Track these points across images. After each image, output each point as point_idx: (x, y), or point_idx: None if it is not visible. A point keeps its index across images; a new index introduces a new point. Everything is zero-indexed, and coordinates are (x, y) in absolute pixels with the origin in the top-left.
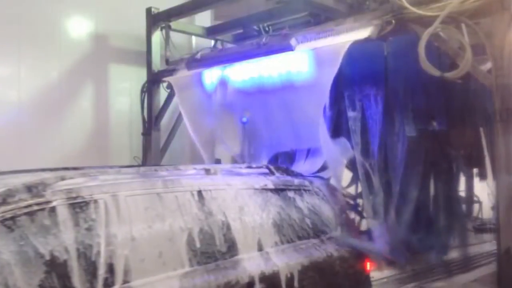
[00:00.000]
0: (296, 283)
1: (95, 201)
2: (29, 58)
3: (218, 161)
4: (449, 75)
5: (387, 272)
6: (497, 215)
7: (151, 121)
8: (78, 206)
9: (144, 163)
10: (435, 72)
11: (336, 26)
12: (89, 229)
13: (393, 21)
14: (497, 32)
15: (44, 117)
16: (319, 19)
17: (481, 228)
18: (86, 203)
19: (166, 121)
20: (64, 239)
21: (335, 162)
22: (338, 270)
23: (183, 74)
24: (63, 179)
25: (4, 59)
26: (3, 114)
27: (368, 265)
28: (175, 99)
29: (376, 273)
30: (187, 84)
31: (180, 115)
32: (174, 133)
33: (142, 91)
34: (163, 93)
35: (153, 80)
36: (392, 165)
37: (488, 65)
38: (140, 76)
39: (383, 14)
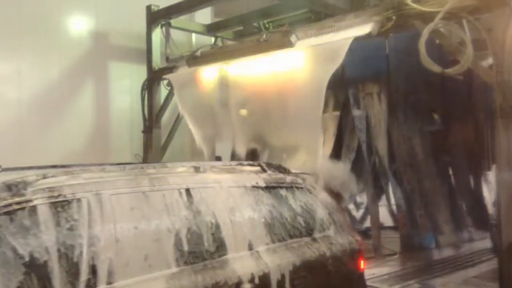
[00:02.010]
0: (287, 283)
1: (78, 200)
2: (29, 56)
3: (218, 158)
4: (450, 71)
5: (387, 269)
6: (498, 211)
7: (151, 119)
8: (60, 205)
9: (145, 160)
10: (435, 68)
11: (337, 22)
12: (71, 229)
13: (394, 17)
14: (498, 27)
15: (45, 115)
16: (320, 16)
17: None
18: (68, 202)
19: (166, 118)
20: (45, 240)
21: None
22: (331, 269)
23: (183, 72)
24: (44, 177)
25: (4, 57)
26: (4, 112)
27: (362, 264)
28: (176, 97)
29: (377, 269)
30: (187, 81)
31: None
32: (174, 130)
33: (143, 89)
34: (163, 91)
35: (154, 78)
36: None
37: (490, 61)
38: (140, 73)
39: (384, 10)
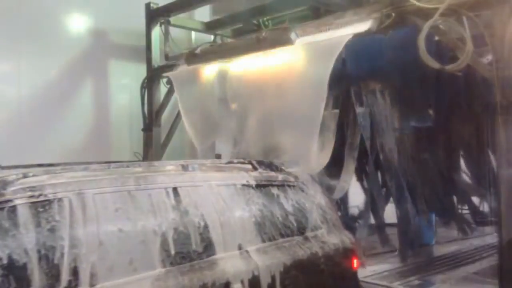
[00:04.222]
0: (278, 283)
1: (60, 200)
2: (29, 54)
3: (218, 157)
4: (450, 68)
5: (388, 266)
6: (498, 208)
7: (151, 117)
8: (41, 205)
9: (145, 158)
10: (434, 64)
11: (336, 19)
12: (52, 230)
13: (393, 14)
14: (498, 24)
15: (44, 113)
16: (319, 13)
17: (482, 220)
18: (50, 202)
19: (166, 116)
20: (25, 241)
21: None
22: (323, 268)
23: (182, 69)
24: (25, 176)
25: (4, 55)
26: (3, 110)
27: (355, 263)
28: (175, 95)
29: (377, 266)
30: (187, 79)
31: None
32: (174, 128)
33: (142, 87)
34: (163, 89)
35: (153, 76)
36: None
37: (489, 57)
38: (140, 71)
39: (383, 7)
